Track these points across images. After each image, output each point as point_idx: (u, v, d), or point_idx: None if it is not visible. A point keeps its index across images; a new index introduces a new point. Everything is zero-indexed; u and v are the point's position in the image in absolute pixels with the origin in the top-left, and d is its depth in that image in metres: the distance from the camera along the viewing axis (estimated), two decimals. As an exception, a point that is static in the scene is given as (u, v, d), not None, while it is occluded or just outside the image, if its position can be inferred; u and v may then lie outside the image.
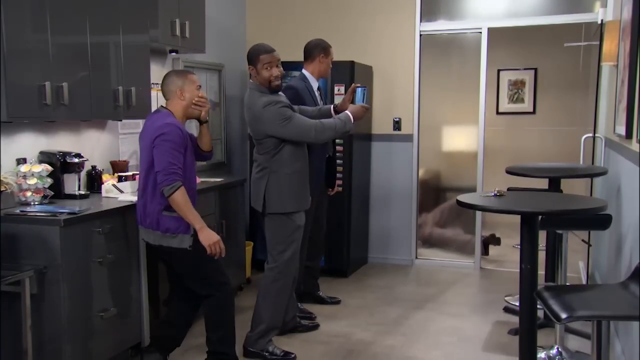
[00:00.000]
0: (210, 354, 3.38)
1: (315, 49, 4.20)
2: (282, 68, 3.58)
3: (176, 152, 3.08)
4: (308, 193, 3.72)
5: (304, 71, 4.22)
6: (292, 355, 3.66)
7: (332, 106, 3.94)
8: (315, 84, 4.22)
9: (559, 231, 3.70)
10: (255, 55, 3.55)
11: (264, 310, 3.69)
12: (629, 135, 3.36)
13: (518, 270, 3.07)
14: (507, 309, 4.53)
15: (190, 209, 3.10)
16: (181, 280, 3.36)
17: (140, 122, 4.50)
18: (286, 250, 3.62)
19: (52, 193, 3.48)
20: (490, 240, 5.95)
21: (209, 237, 3.13)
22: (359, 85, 3.81)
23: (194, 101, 3.29)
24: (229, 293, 3.33)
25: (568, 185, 4.54)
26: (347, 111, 3.61)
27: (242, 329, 3.84)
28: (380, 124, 5.82)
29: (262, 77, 3.53)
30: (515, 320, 3.86)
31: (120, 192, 3.73)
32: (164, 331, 3.48)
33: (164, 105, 3.31)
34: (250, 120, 3.60)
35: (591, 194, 4.99)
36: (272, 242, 3.65)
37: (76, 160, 3.62)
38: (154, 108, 4.40)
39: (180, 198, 3.05)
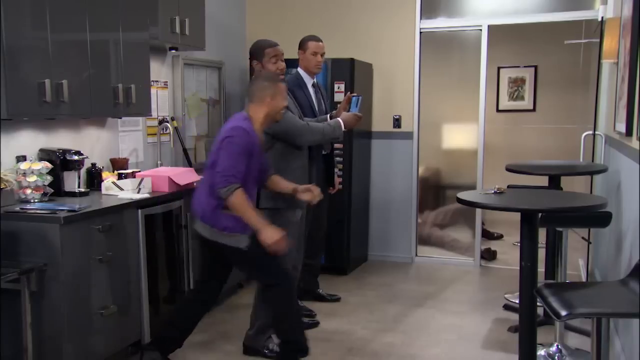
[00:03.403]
0: (284, 344, 3.30)
1: (298, 46, 4.22)
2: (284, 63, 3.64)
3: (240, 157, 3.06)
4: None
5: (298, 69, 4.25)
6: None
7: (328, 115, 3.96)
8: (309, 81, 4.23)
9: (559, 229, 3.69)
10: (261, 50, 3.61)
11: (260, 307, 3.69)
12: (629, 132, 3.35)
13: (518, 268, 3.07)
14: (507, 307, 4.53)
15: (248, 210, 3.08)
16: (218, 274, 3.36)
17: (140, 120, 4.51)
18: None
19: (52, 190, 3.48)
20: (485, 254, 5.89)
21: (270, 237, 3.08)
22: (354, 94, 3.86)
23: None
24: (290, 280, 3.29)
25: (568, 183, 4.54)
26: (338, 118, 3.67)
27: (242, 327, 3.85)
28: (380, 122, 5.82)
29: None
30: (515, 317, 3.86)
31: (120, 190, 3.73)
32: (166, 332, 3.45)
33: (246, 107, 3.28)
34: None
35: (591, 192, 4.98)
36: None
37: (76, 157, 3.62)
38: (153, 105, 4.42)
39: (237, 200, 3.03)
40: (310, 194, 3.34)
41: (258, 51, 3.62)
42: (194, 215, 3.26)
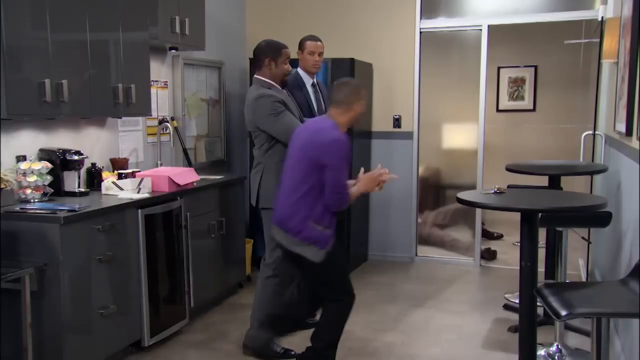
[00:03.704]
0: (314, 352, 3.33)
1: (298, 46, 4.24)
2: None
3: (344, 168, 3.13)
4: None
5: (297, 69, 4.25)
6: (292, 352, 3.67)
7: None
8: (309, 81, 4.23)
9: (559, 228, 3.69)
10: (279, 49, 3.66)
11: (260, 307, 3.69)
12: (629, 132, 3.35)
13: (518, 268, 3.07)
14: (507, 306, 4.53)
15: (353, 196, 3.24)
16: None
17: (140, 120, 4.51)
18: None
19: (52, 190, 3.48)
20: (485, 254, 5.88)
21: (366, 187, 3.28)
22: None
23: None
24: (352, 303, 3.30)
25: (568, 183, 4.54)
26: None
27: (242, 327, 3.85)
28: (380, 122, 5.82)
29: (280, 71, 3.65)
30: (515, 317, 3.86)
31: (120, 190, 3.73)
32: (284, 315, 3.56)
33: (329, 112, 3.27)
34: (245, 111, 3.68)
35: (591, 192, 4.98)
36: (267, 237, 3.68)
37: (76, 157, 3.62)
38: (153, 105, 4.41)
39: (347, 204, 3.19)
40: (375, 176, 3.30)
41: (275, 50, 3.64)
42: (275, 221, 3.27)
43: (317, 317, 4.31)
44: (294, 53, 4.22)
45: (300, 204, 3.14)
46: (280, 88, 3.69)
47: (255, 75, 3.72)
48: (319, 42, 4.21)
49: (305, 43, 4.20)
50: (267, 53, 3.64)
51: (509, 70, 7.54)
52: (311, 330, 4.08)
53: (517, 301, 3.21)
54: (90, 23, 3.52)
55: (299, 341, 3.90)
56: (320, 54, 4.22)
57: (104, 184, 3.78)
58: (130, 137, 4.43)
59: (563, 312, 2.18)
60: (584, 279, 4.95)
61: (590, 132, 4.88)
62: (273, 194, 3.57)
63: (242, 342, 3.72)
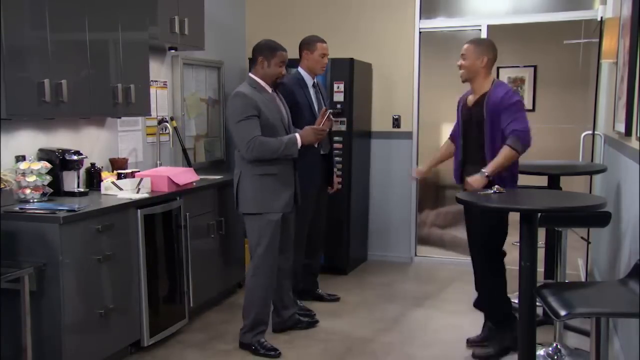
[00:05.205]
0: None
1: (301, 46, 4.23)
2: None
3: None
4: (285, 196, 3.64)
5: (298, 68, 4.25)
6: (277, 352, 3.66)
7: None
8: (310, 81, 4.23)
9: (558, 228, 3.70)
10: (273, 50, 3.59)
11: (247, 304, 3.74)
12: (628, 132, 3.36)
13: (517, 268, 3.07)
14: (507, 306, 4.52)
15: None
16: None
17: (140, 120, 4.50)
18: (259, 245, 3.63)
19: (51, 190, 3.48)
20: None
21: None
22: (329, 109, 3.80)
23: None
24: None
25: (567, 183, 4.54)
26: (296, 134, 3.62)
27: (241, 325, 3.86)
28: (380, 121, 5.82)
29: (271, 72, 3.60)
30: (514, 317, 3.86)
31: (119, 190, 3.73)
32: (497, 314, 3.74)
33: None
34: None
35: (590, 192, 4.98)
36: (249, 238, 3.72)
37: (75, 157, 3.62)
38: (153, 105, 4.41)
39: None
40: None
41: (270, 50, 3.57)
42: None
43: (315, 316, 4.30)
44: (293, 53, 4.23)
45: None
46: (269, 90, 3.64)
47: (249, 73, 3.70)
48: (326, 44, 4.23)
49: (316, 44, 4.17)
50: (262, 52, 3.60)
51: (509, 70, 7.53)
52: (309, 330, 4.11)
53: (517, 301, 3.21)
54: (90, 23, 3.53)
55: (298, 341, 3.90)
56: (327, 56, 4.25)
57: (103, 184, 3.78)
58: (129, 137, 4.43)
59: (562, 312, 2.18)
60: (583, 279, 4.95)
61: (590, 132, 4.88)
62: (247, 198, 3.58)
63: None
